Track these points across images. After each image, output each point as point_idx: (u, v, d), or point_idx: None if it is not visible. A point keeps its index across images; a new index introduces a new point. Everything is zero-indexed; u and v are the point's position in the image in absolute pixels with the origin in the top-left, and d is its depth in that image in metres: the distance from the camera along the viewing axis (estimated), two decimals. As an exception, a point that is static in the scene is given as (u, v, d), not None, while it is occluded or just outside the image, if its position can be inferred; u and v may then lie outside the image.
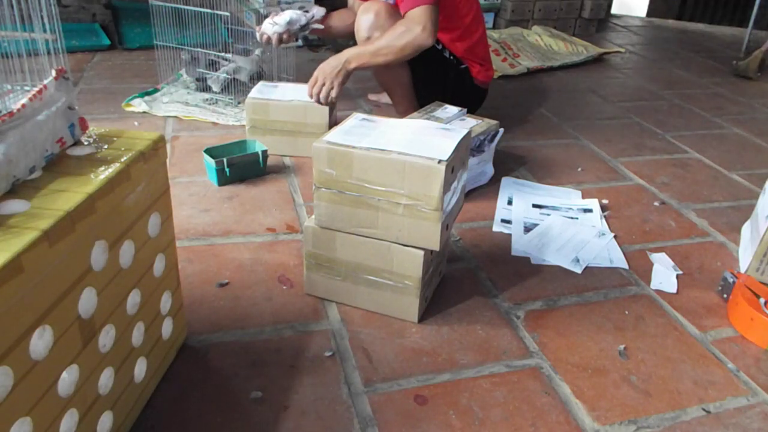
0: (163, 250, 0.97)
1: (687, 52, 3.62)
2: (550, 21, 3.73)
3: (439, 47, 2.00)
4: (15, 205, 0.71)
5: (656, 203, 1.78)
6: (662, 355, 1.19)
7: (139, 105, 2.20)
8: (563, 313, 1.29)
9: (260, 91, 1.91)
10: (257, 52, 2.34)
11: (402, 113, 2.06)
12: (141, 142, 0.89)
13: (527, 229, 1.58)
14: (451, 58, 2.03)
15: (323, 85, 1.80)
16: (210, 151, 1.72)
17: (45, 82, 0.80)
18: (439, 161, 1.06)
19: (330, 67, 1.80)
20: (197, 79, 2.35)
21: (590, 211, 1.69)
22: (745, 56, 3.32)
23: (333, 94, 1.81)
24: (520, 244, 1.51)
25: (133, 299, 0.89)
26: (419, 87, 2.05)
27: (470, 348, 1.17)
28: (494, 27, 3.67)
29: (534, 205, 1.70)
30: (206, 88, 2.33)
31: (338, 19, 2.16)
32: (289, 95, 1.88)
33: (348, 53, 1.81)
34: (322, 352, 1.13)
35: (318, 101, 1.82)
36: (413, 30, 1.73)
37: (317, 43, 3.12)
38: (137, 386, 0.94)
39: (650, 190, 1.86)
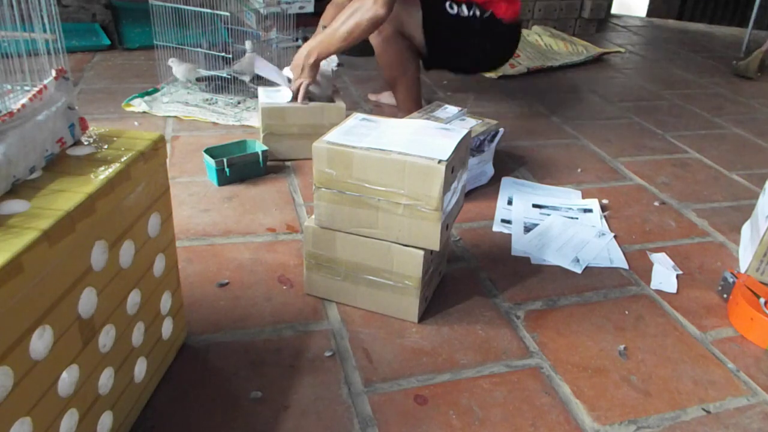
0: (163, 250, 0.97)
1: (687, 52, 3.62)
2: (550, 21, 3.73)
3: (454, 11, 1.92)
4: (15, 205, 0.71)
5: (656, 203, 1.78)
6: (662, 355, 1.19)
7: (139, 105, 2.20)
8: (563, 313, 1.29)
9: (268, 96, 1.88)
10: (250, 51, 2.33)
11: (405, 111, 2.05)
12: (141, 142, 0.89)
13: (527, 229, 1.58)
14: (472, 13, 1.93)
15: (298, 86, 1.81)
16: (210, 151, 1.72)
17: (45, 82, 0.80)
18: (439, 161, 1.06)
19: (295, 67, 1.81)
20: (198, 79, 2.35)
21: (590, 211, 1.69)
22: (745, 56, 3.32)
23: (302, 91, 1.81)
24: (520, 244, 1.51)
25: (133, 299, 0.89)
26: (461, 61, 1.97)
27: (470, 348, 1.17)
28: (494, 27, 3.67)
29: (534, 205, 1.70)
30: (212, 87, 2.33)
31: (329, 19, 2.12)
32: (287, 95, 1.87)
33: (308, 46, 1.79)
34: (322, 352, 1.13)
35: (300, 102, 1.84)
36: (364, 5, 1.69)
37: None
38: (137, 386, 0.94)
39: (650, 190, 1.86)
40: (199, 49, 2.32)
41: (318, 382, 1.06)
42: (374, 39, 1.93)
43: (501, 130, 1.83)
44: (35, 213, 0.69)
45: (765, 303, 1.25)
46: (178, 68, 2.28)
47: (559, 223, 1.62)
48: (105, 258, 0.79)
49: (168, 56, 2.31)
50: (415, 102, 2.06)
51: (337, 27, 1.75)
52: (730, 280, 1.34)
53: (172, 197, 1.00)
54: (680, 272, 1.45)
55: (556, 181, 1.87)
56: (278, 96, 1.89)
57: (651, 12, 4.67)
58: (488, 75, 2.90)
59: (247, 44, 2.30)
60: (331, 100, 1.89)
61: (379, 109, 2.36)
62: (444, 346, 1.17)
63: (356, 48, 1.92)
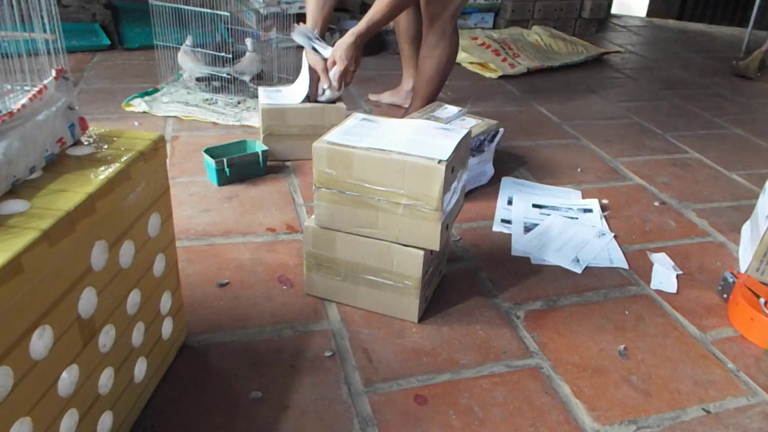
0: (163, 250, 0.97)
1: (687, 52, 3.62)
2: (550, 21, 3.73)
3: None
4: (15, 205, 0.71)
5: (656, 203, 1.78)
6: (662, 355, 1.19)
7: (139, 105, 2.20)
8: (563, 313, 1.29)
9: (269, 97, 1.88)
10: (251, 50, 2.33)
11: (414, 109, 2.04)
12: (141, 142, 0.89)
13: (527, 229, 1.58)
14: None
15: (349, 70, 1.81)
16: (210, 151, 1.72)
17: (45, 82, 0.80)
18: (439, 161, 1.06)
19: (348, 49, 1.79)
20: (198, 79, 2.35)
21: (590, 211, 1.69)
22: (745, 56, 3.32)
23: (349, 77, 1.83)
24: (520, 244, 1.51)
25: (133, 299, 0.89)
26: None
27: (470, 348, 1.17)
28: (494, 27, 3.68)
29: (534, 205, 1.70)
30: (212, 87, 2.33)
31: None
32: (297, 96, 1.87)
33: (354, 32, 1.80)
34: (322, 352, 1.13)
35: (340, 86, 1.84)
36: None
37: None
38: (137, 386, 0.94)
39: (650, 190, 1.86)
40: (199, 49, 2.32)
41: (318, 382, 1.06)
42: (428, 31, 1.97)
43: (501, 130, 1.83)
44: (35, 213, 0.69)
45: (765, 303, 1.25)
46: (184, 57, 2.28)
47: (559, 223, 1.62)
48: (105, 258, 0.79)
49: (168, 56, 2.31)
50: (432, 98, 2.06)
51: (379, 8, 1.77)
52: (730, 280, 1.34)
53: (172, 197, 1.00)
54: (680, 272, 1.45)
55: (556, 181, 1.87)
56: (280, 96, 1.88)
57: (651, 12, 4.67)
58: (488, 75, 2.90)
59: (248, 42, 2.30)
60: (338, 101, 1.89)
61: (379, 109, 2.36)
62: (444, 346, 1.17)
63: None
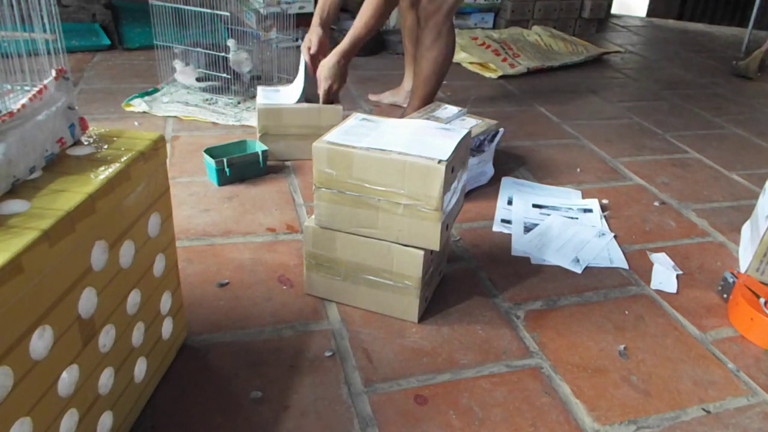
0: (163, 250, 0.97)
1: (687, 52, 3.62)
2: (550, 21, 3.73)
3: None
4: (15, 205, 0.71)
5: (656, 203, 1.78)
6: (662, 355, 1.19)
7: (139, 105, 2.20)
8: (563, 313, 1.29)
9: (266, 96, 1.88)
10: (234, 50, 2.32)
11: (412, 108, 2.04)
12: (141, 142, 0.89)
13: (527, 229, 1.58)
14: None
15: (332, 88, 1.87)
16: (210, 151, 1.72)
17: (45, 82, 0.80)
18: (439, 161, 1.06)
19: (331, 69, 1.84)
20: (198, 79, 2.35)
21: (590, 211, 1.69)
22: (745, 56, 3.32)
23: (334, 88, 1.88)
24: (520, 244, 1.51)
25: (133, 299, 0.89)
26: None
27: (470, 348, 1.17)
28: (494, 27, 3.68)
29: (534, 205, 1.70)
30: (214, 88, 2.33)
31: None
32: (293, 96, 1.87)
33: (337, 51, 1.85)
34: (322, 352, 1.13)
35: (327, 101, 1.88)
36: None
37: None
38: (137, 386, 0.94)
39: (650, 190, 1.86)
40: (199, 49, 2.32)
41: (318, 382, 1.06)
42: (423, 31, 1.99)
43: (501, 130, 1.83)
44: (35, 213, 0.69)
45: (765, 303, 1.25)
46: (183, 78, 2.28)
47: (559, 223, 1.62)
48: (105, 258, 0.79)
49: (168, 56, 2.31)
50: (430, 98, 2.07)
51: (362, 23, 1.83)
52: (730, 280, 1.34)
53: (172, 197, 1.00)
54: (680, 272, 1.45)
55: (556, 181, 1.87)
56: (278, 96, 1.89)
57: (651, 12, 4.67)
58: (488, 75, 2.90)
59: (230, 43, 2.26)
60: (334, 101, 1.89)
61: (379, 109, 2.36)
62: (444, 346, 1.17)
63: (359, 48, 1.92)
